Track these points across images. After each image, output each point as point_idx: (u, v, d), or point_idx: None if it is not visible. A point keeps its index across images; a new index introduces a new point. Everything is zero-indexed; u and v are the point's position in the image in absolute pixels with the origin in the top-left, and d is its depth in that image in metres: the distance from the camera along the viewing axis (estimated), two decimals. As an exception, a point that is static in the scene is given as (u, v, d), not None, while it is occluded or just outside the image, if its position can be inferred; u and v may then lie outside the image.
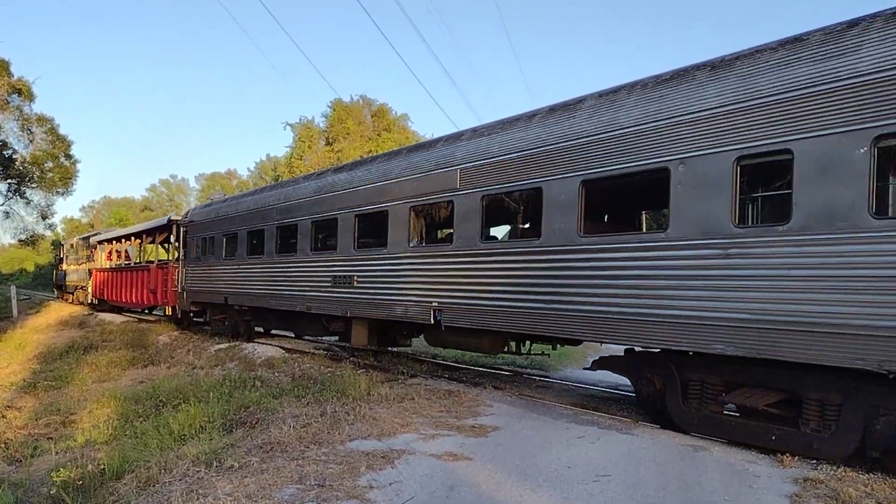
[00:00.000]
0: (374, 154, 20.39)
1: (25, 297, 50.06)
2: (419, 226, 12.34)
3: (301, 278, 15.60)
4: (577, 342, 10.68)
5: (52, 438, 11.65)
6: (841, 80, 6.60)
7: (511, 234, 12.40)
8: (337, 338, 16.05)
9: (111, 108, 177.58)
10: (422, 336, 13.46)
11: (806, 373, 7.17)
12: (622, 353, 9.89)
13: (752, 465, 6.79)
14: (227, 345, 18.89)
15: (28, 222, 54.54)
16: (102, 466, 8.53)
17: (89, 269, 38.15)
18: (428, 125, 77.49)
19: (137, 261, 31.36)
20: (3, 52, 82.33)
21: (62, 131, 51.78)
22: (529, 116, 10.58)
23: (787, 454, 7.02)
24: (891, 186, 7.39)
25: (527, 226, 11.99)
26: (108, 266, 34.49)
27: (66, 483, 8.09)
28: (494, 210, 11.25)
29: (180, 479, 6.92)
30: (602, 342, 9.03)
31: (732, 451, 7.41)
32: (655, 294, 8.05)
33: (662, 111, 8.14)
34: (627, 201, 11.06)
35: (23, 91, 45.98)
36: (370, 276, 13.14)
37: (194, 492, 6.28)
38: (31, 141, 49.21)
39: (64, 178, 52.40)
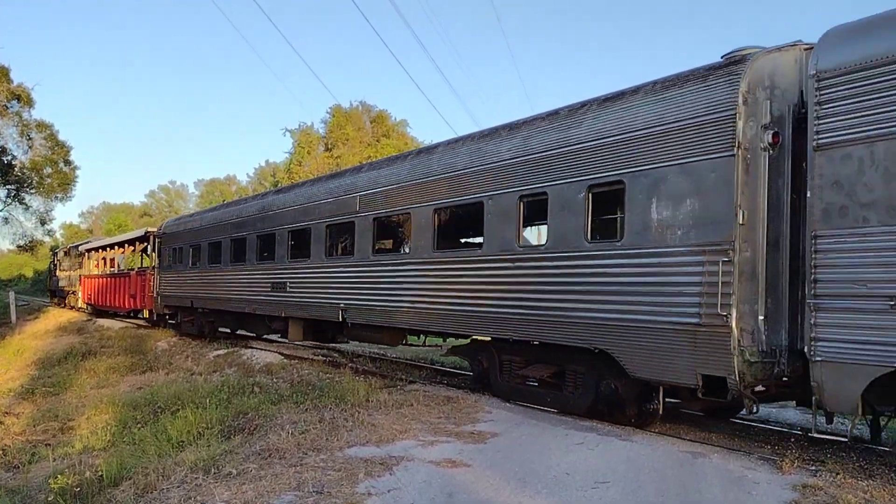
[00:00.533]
0: (312, 177, 24.41)
1: (24, 302, 50.03)
2: (332, 240, 15.28)
3: (248, 284, 18.36)
4: (446, 335, 13.00)
5: (49, 445, 11.63)
6: (571, 145, 9.33)
7: (394, 248, 15.53)
8: (279, 335, 18.15)
9: (111, 113, 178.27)
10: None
11: (567, 352, 9.56)
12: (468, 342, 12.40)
13: (751, 472, 6.77)
14: (226, 351, 18.88)
15: (27, 228, 54.65)
16: (100, 473, 8.51)
17: (80, 276, 40.51)
18: (427, 131, 77.97)
19: (123, 268, 33.73)
20: (3, 58, 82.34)
21: (61, 137, 52.02)
22: (404, 157, 13.89)
23: (787, 461, 7.01)
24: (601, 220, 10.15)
25: (402, 242, 15.01)
26: (95, 273, 36.80)
27: (64, 490, 8.08)
28: (383, 229, 14.24)
29: (178, 486, 6.91)
30: (456, 335, 12.26)
31: (731, 457, 7.40)
32: (477, 297, 10.76)
33: (479, 160, 11.04)
34: (467, 224, 13.13)
35: (22, 97, 46.01)
36: (299, 282, 15.90)
37: (192, 498, 6.27)
38: (30, 147, 49.31)
39: (63, 184, 52.47)
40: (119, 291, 30.53)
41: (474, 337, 11.89)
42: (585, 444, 7.89)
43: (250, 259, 18.26)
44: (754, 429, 9.57)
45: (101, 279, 34.81)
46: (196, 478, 7.03)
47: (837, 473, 6.61)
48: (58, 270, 50.33)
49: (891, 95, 6.35)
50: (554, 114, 10.23)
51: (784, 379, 7.58)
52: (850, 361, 6.49)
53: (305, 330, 16.26)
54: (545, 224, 10.07)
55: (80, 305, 39.96)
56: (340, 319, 14.07)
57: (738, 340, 7.22)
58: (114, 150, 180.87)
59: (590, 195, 9.01)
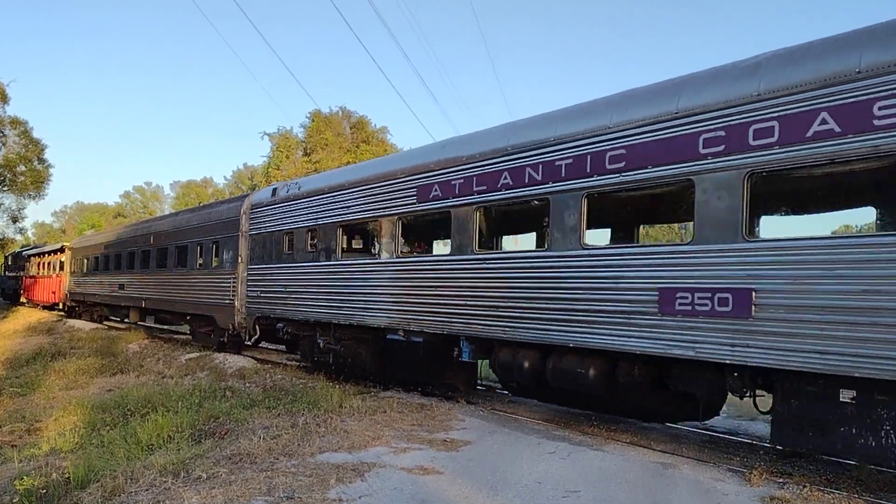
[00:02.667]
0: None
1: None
2: (139, 258, 26.01)
3: (111, 285, 28.70)
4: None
5: (15, 446, 11.41)
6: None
7: (161, 265, 24.38)
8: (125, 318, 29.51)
9: (87, 112, 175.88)
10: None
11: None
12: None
13: (720, 483, 6.85)
14: (198, 354, 18.71)
15: (-2, 225, 53.78)
16: (67, 475, 8.37)
17: (22, 276, 48.40)
18: (407, 138, 77.94)
19: (47, 273, 41.51)
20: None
21: (36, 135, 51.26)
22: (174, 214, 26.70)
23: (756, 473, 7.09)
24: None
25: (165, 260, 23.98)
26: (32, 274, 44.80)
27: (30, 492, 7.93)
28: (158, 253, 24.29)
29: (147, 490, 6.84)
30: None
31: (701, 468, 7.47)
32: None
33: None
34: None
35: (-4, 93, 45.38)
36: (131, 283, 26.39)
37: (161, 502, 6.22)
38: (3, 144, 48.60)
39: (36, 182, 51.75)
40: (45, 289, 40.13)
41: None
42: (557, 453, 7.93)
43: (114, 268, 28.66)
44: (724, 441, 9.67)
45: (34, 279, 43.71)
46: (165, 481, 6.97)
47: (804, 486, 6.72)
48: (6, 272, 55.35)
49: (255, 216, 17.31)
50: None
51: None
52: None
53: (140, 314, 27.28)
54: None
55: (21, 300, 47.96)
56: (144, 307, 25.23)
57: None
58: (89, 150, 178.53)
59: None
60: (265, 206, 16.80)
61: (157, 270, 23.82)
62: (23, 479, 8.33)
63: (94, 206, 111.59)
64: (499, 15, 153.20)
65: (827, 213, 9.78)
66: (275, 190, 16.90)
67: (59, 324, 31.80)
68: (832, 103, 6.50)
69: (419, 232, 14.35)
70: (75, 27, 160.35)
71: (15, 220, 54.53)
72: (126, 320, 29.65)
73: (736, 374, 7.42)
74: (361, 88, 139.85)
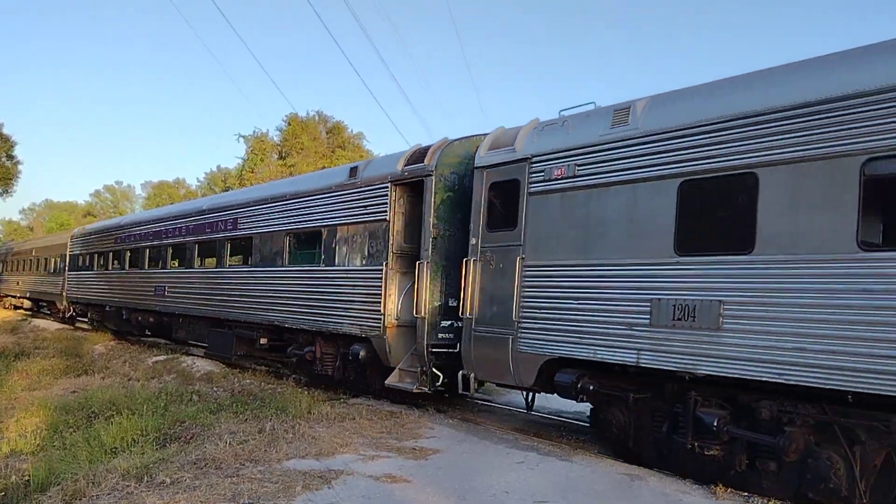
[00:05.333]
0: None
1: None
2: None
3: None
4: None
5: (-26, 447, 11.18)
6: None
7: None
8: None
9: (58, 110, 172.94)
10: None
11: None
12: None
13: (686, 496, 6.90)
14: (166, 357, 18.48)
15: (-36, 222, 52.88)
16: (27, 478, 8.22)
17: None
18: (383, 144, 77.85)
19: None
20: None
21: (5, 131, 50.38)
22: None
23: (721, 486, 7.14)
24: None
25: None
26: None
27: (-13, 494, 7.78)
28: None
29: (109, 494, 6.72)
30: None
31: (668, 481, 7.51)
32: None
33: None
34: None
35: (-35, 88, 44.62)
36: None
37: (123, 507, 6.11)
38: (-29, 140, 47.70)
39: (4, 179, 50.83)
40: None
41: None
42: (526, 462, 7.94)
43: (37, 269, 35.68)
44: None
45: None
46: (128, 485, 6.86)
47: (769, 499, 6.78)
48: None
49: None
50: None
51: None
52: None
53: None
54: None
55: None
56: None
57: None
58: (59, 148, 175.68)
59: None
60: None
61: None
62: (-20, 481, 8.16)
63: (63, 205, 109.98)
64: (476, 24, 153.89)
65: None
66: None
67: (24, 323, 31.22)
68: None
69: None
70: (46, 25, 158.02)
71: (-19, 216, 53.53)
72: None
73: None
74: (338, 94, 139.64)
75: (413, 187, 11.54)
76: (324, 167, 41.15)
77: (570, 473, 7.54)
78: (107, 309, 25.38)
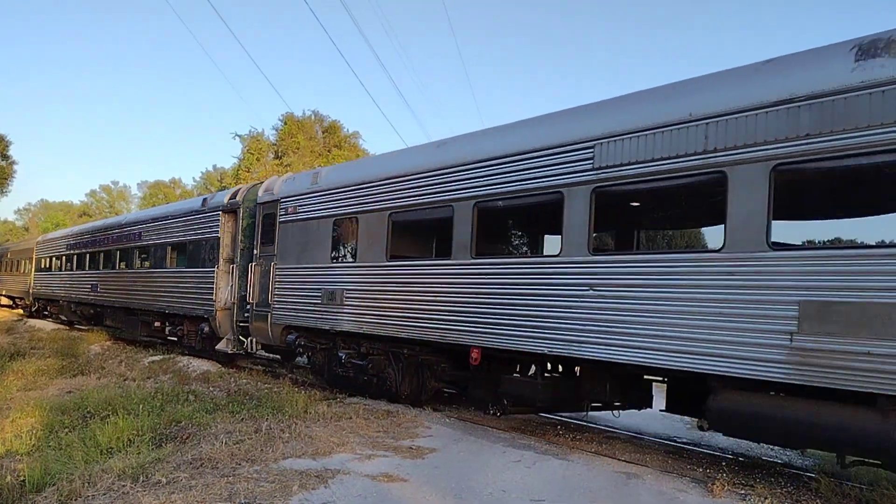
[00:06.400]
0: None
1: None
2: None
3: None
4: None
5: (-31, 448, 11.14)
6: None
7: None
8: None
9: (53, 110, 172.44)
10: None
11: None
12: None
13: (683, 494, 6.90)
14: (162, 357, 18.45)
15: (-41, 222, 52.76)
16: (22, 478, 8.18)
17: None
18: (380, 143, 77.91)
19: None
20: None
21: (0, 130, 50.31)
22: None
23: (718, 484, 7.15)
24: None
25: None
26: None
27: (-18, 495, 7.74)
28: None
29: (104, 494, 6.71)
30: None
31: (664, 479, 7.52)
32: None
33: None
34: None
35: (-40, 87, 44.51)
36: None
37: (118, 507, 6.09)
38: (-35, 140, 47.57)
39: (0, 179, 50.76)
40: None
41: None
42: (522, 461, 7.93)
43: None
44: (687, 451, 9.75)
45: None
46: (123, 485, 6.84)
47: (766, 498, 6.78)
48: None
49: None
50: None
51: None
52: None
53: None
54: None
55: None
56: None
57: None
58: (54, 148, 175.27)
59: None
60: None
61: None
62: (-25, 481, 8.12)
63: (58, 205, 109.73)
64: (473, 23, 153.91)
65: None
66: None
67: (20, 323, 31.15)
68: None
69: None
70: (41, 24, 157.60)
71: (-24, 216, 53.39)
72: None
73: None
74: (335, 93, 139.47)
75: (232, 215, 16.94)
76: (319, 166, 41.11)
77: (566, 472, 7.53)
78: (60, 303, 30.41)
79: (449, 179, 10.55)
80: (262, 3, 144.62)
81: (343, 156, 45.64)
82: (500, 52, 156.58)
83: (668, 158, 7.68)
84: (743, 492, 7.07)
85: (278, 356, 17.41)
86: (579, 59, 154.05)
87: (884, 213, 7.23)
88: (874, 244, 6.49)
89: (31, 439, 10.76)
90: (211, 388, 13.52)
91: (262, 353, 16.55)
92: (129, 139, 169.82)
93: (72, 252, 28.81)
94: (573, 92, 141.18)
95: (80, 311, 27.99)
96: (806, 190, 7.62)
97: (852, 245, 6.78)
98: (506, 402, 10.16)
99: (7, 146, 50.93)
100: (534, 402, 10.02)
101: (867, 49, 6.36)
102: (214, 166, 79.57)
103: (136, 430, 9.80)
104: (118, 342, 23.21)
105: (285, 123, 48.49)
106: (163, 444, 9.10)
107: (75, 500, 6.83)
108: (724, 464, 8.79)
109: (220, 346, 16.56)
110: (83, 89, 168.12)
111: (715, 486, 7.08)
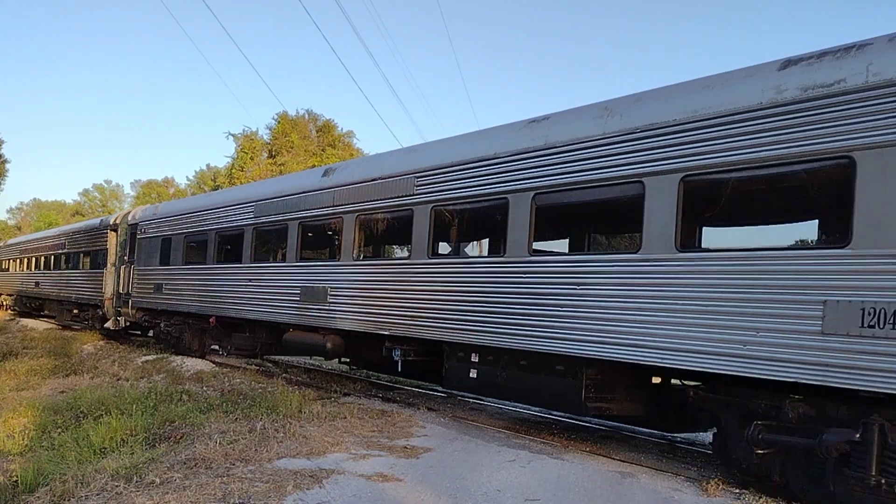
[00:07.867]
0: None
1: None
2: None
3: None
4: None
5: (-39, 448, 11.08)
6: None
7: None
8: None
9: (46, 109, 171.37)
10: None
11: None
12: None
13: (678, 493, 6.90)
14: (155, 357, 18.39)
15: (-49, 221, 52.53)
16: (15, 479, 8.15)
17: None
18: (374, 143, 77.87)
19: None
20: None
21: (-7, 129, 50.08)
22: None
23: (712, 484, 7.16)
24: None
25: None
26: None
27: (-26, 495, 7.71)
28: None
29: (97, 494, 6.68)
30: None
31: (659, 478, 7.53)
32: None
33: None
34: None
35: (-48, 85, 44.31)
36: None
37: (111, 508, 6.06)
38: (-43, 138, 47.24)
39: (-8, 177, 50.53)
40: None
41: None
42: (517, 461, 7.93)
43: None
44: (681, 450, 9.76)
45: None
46: (117, 486, 6.81)
47: (760, 497, 6.79)
48: None
49: None
50: None
51: None
52: None
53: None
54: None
55: None
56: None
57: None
58: (47, 147, 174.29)
59: None
60: None
61: None
62: (-33, 482, 8.09)
63: (51, 204, 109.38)
64: (467, 22, 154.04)
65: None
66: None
67: (12, 323, 31.05)
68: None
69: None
70: (34, 22, 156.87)
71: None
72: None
73: None
74: (329, 92, 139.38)
75: (115, 232, 23.16)
76: (314, 165, 41.03)
77: (561, 471, 7.53)
78: (15, 297, 37.74)
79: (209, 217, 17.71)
80: (257, 2, 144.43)
81: (337, 155, 45.48)
82: (493, 47, 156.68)
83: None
84: (737, 491, 7.08)
85: (139, 331, 23.82)
86: (575, 55, 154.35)
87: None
88: None
89: (23, 440, 10.72)
90: (204, 388, 13.48)
91: (132, 331, 23.74)
92: (123, 138, 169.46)
93: (23, 256, 36.72)
94: (568, 89, 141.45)
95: (28, 303, 35.57)
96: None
97: None
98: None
99: (-1, 145, 50.70)
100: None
101: None
102: (208, 165, 79.33)
103: (130, 430, 9.77)
104: (111, 342, 23.14)
105: (279, 122, 48.33)
106: (156, 444, 9.08)
107: (68, 500, 6.81)
108: (718, 462, 8.80)
109: (108, 324, 23.01)
110: (76, 88, 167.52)
111: (709, 486, 7.09)
